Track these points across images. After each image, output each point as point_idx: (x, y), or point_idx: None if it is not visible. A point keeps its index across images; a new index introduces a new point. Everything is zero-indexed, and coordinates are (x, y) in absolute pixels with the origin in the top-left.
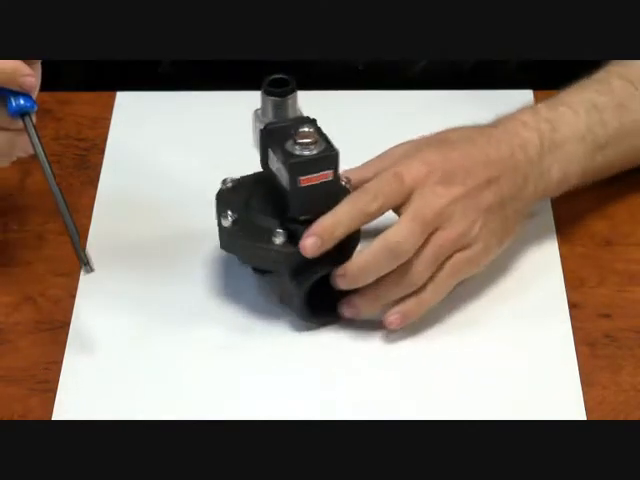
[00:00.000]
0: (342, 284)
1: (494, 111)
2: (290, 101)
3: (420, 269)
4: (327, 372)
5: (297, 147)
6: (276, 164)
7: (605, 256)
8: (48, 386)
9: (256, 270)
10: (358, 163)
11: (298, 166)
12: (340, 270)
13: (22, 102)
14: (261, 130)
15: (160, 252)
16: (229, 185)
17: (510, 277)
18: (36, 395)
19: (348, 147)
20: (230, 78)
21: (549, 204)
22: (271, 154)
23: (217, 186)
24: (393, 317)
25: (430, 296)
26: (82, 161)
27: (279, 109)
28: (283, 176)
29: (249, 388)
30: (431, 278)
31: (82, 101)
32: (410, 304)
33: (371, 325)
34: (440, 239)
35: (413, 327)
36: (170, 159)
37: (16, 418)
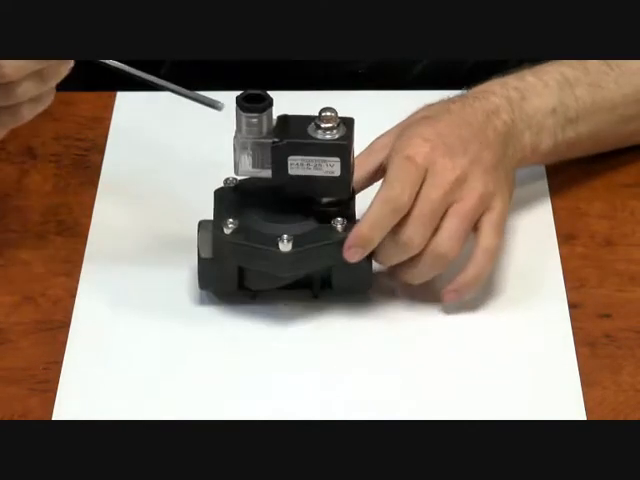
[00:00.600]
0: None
1: None
2: (267, 116)
3: (449, 244)
4: (327, 372)
5: (320, 132)
6: (311, 163)
7: (605, 256)
8: (48, 386)
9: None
10: None
11: (347, 148)
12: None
13: None
14: (273, 147)
15: (160, 252)
16: (231, 227)
17: (510, 277)
18: (36, 395)
19: None
20: (231, 78)
21: (549, 203)
22: (296, 159)
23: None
24: (448, 295)
25: (481, 264)
26: (82, 161)
27: (255, 125)
28: (329, 167)
29: (249, 388)
30: (475, 247)
31: (82, 101)
32: (462, 279)
33: (370, 325)
34: (461, 210)
35: (413, 327)
36: (170, 159)
37: (16, 418)
